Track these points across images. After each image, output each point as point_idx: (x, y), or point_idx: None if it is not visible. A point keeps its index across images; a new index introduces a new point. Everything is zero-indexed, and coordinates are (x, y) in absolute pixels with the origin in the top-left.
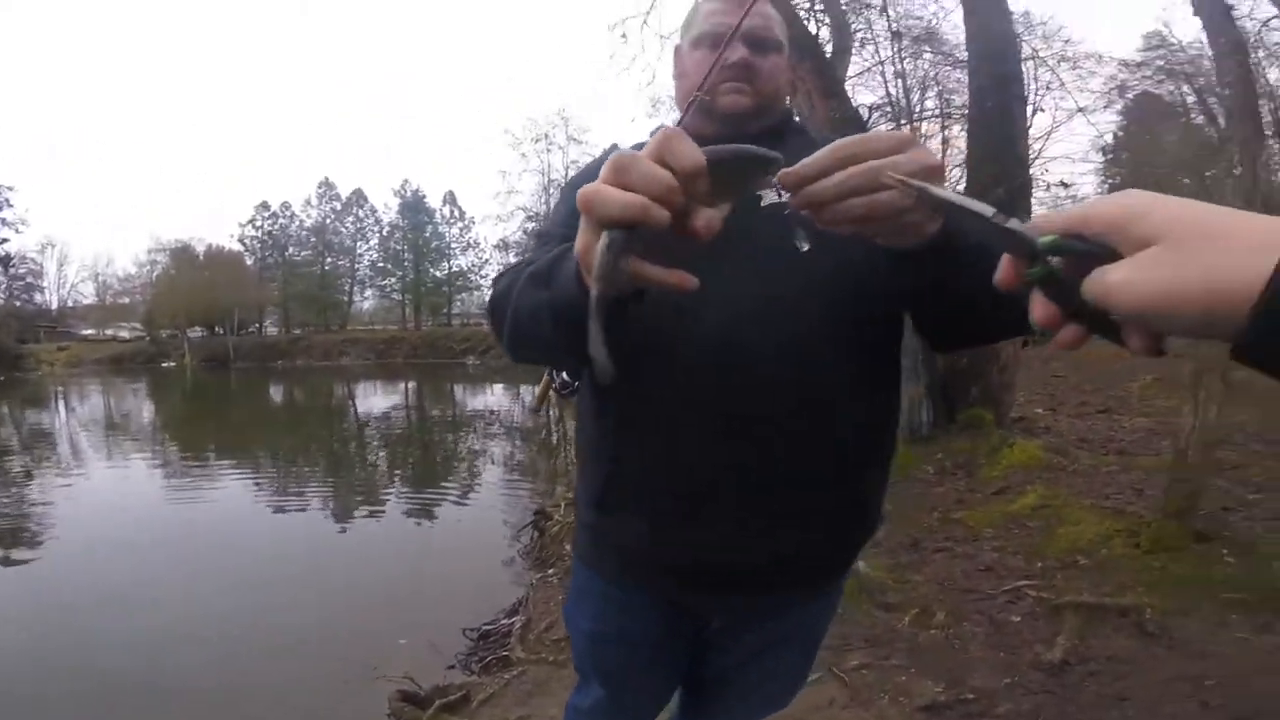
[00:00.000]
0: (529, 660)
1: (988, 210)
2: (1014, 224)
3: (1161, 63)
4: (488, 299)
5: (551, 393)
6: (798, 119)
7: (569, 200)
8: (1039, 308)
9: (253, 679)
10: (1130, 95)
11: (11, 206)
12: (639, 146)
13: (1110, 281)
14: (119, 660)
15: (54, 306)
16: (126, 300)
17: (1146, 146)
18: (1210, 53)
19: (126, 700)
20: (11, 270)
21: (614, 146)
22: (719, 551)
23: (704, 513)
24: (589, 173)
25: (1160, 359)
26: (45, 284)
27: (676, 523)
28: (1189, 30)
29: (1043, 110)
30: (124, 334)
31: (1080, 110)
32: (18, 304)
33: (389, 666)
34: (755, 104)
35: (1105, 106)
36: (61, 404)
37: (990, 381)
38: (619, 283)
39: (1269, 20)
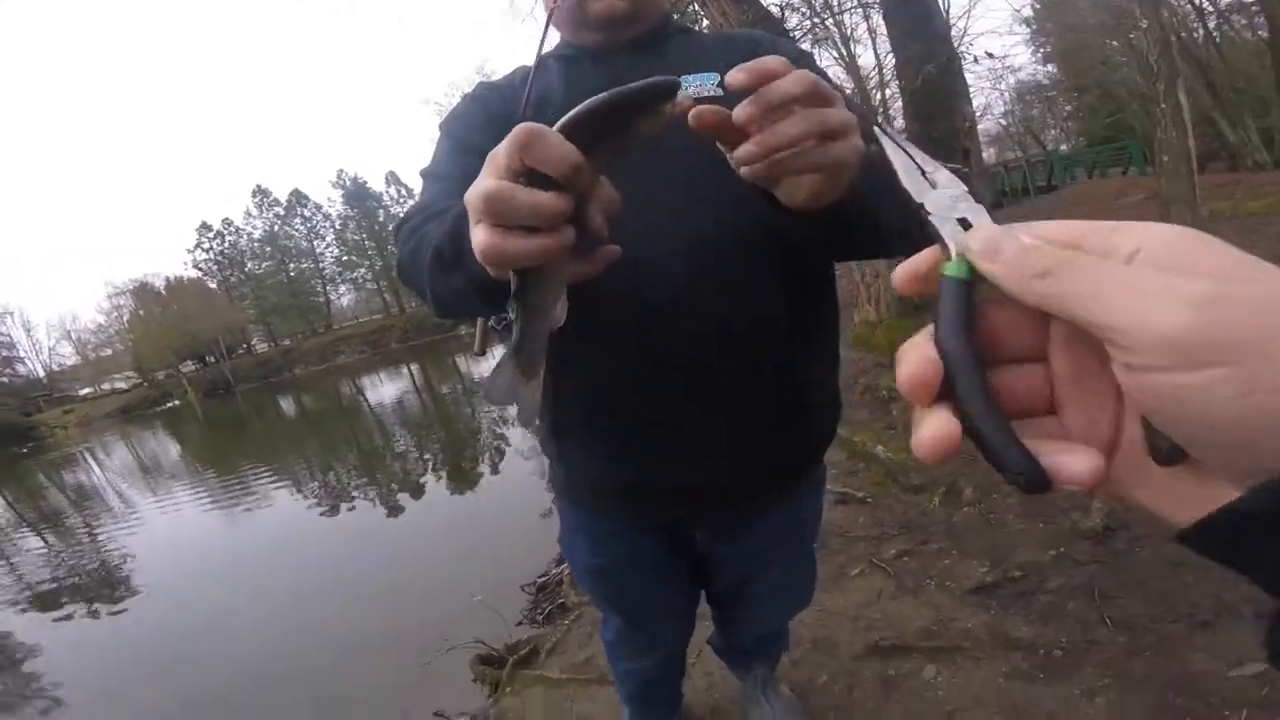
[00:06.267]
0: (582, 602)
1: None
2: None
3: None
4: (395, 261)
5: (492, 332)
6: (678, 18)
7: (448, 138)
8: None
9: (355, 677)
10: None
11: None
12: (513, 81)
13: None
14: (231, 682)
15: (41, 374)
16: (109, 351)
17: (1066, 13)
18: None
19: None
20: None
21: (479, 85)
22: (672, 475)
23: (646, 439)
24: (460, 112)
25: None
26: (21, 353)
27: (623, 451)
28: None
29: None
30: (121, 384)
31: None
32: (4, 380)
33: (461, 635)
34: (631, 5)
35: None
36: (91, 461)
37: None
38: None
39: None
